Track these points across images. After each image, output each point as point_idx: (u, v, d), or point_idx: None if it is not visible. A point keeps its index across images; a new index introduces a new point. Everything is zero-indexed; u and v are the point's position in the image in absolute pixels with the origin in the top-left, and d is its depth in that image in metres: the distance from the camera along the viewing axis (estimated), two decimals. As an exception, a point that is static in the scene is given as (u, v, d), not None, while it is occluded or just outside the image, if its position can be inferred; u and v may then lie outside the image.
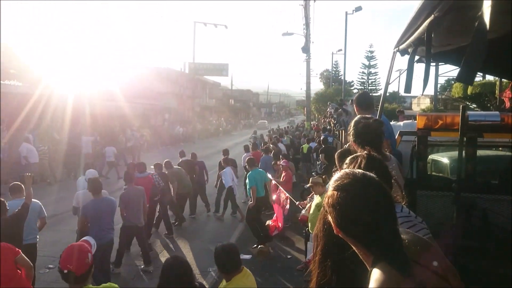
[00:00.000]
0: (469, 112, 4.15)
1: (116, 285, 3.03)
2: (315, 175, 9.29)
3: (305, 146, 15.59)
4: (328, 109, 19.65)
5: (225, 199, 10.36)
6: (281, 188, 8.29)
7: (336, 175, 1.44)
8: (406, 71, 2.13)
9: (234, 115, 58.64)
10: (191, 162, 10.85)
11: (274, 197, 8.56)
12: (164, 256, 7.60)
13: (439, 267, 1.31)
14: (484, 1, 1.06)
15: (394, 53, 3.01)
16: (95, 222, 5.78)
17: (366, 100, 4.14)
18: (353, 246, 1.38)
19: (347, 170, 1.45)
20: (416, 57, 2.80)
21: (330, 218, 1.41)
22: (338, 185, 1.37)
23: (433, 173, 6.04)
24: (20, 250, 3.78)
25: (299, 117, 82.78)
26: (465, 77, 1.25)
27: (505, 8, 1.29)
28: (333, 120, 18.45)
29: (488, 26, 1.05)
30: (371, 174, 1.44)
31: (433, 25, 1.52)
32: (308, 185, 10.52)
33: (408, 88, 2.14)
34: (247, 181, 8.24)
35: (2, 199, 4.76)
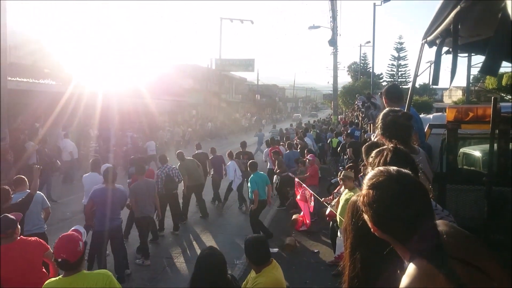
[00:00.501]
0: (501, 104, 4.03)
1: (109, 272, 3.18)
2: (342, 169, 9.23)
3: (334, 140, 15.48)
4: (356, 102, 19.35)
5: (226, 192, 10.90)
6: (305, 185, 8.29)
7: (370, 173, 1.44)
8: (434, 63, 2.10)
9: (260, 110, 58.68)
10: (204, 155, 11.19)
11: (298, 196, 8.62)
12: (191, 250, 7.76)
13: (481, 262, 1.26)
14: None
15: (422, 45, 2.95)
16: (100, 208, 6.05)
17: (395, 93, 4.07)
18: (390, 243, 1.38)
19: (381, 168, 1.45)
20: (445, 49, 2.75)
21: (366, 216, 1.41)
22: (373, 183, 1.38)
23: (465, 167, 5.88)
24: (48, 246, 3.96)
25: (326, 111, 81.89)
26: (489, 69, 1.24)
27: None
28: (361, 114, 18.17)
29: (511, 17, 1.04)
30: (406, 171, 1.42)
31: (460, 16, 1.50)
32: (335, 180, 10.47)
33: (435, 81, 2.11)
34: (249, 184, 8.36)
35: (6, 187, 4.97)
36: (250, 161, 9.17)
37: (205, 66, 37.41)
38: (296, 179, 8.84)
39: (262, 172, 8.68)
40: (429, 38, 2.51)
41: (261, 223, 8.36)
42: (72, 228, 3.36)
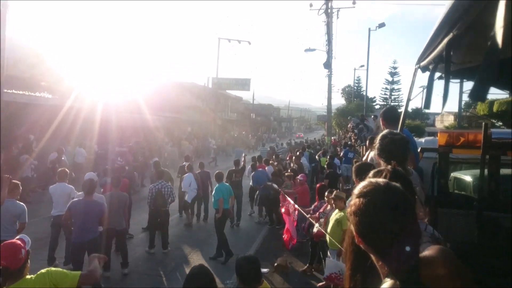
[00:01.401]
0: (492, 130, 4.11)
1: (51, 269, 3.15)
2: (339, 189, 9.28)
3: (322, 159, 15.69)
4: (349, 124, 19.55)
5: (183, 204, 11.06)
6: (288, 199, 8.20)
7: (361, 184, 1.43)
8: (426, 88, 2.16)
9: (255, 129, 58.88)
10: (182, 167, 11.57)
11: (283, 209, 8.51)
12: (180, 270, 7.64)
13: None
14: (497, 22, 1.10)
15: (416, 70, 3.04)
16: (77, 220, 6.09)
17: (393, 115, 4.17)
18: (371, 256, 1.37)
19: (371, 179, 1.45)
20: (438, 74, 2.84)
21: (352, 227, 1.40)
22: (361, 191, 1.37)
23: (455, 191, 5.93)
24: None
25: (319, 131, 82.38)
26: (477, 95, 1.29)
27: None
28: (354, 136, 18.34)
29: (500, 46, 1.10)
30: (396, 184, 1.41)
31: (453, 43, 1.56)
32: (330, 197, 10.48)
33: (427, 105, 2.17)
34: (213, 193, 8.75)
35: None
36: (216, 171, 9.37)
37: (202, 84, 37.64)
38: (281, 192, 8.81)
39: (226, 183, 9.06)
40: (422, 64, 2.59)
41: (225, 238, 8.31)
42: (17, 237, 3.36)
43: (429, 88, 2.10)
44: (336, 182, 11.92)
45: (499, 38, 1.08)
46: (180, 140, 25.75)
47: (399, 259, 1.25)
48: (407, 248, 1.26)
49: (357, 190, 1.40)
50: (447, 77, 1.71)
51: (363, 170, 3.39)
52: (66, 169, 7.83)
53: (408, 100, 3.27)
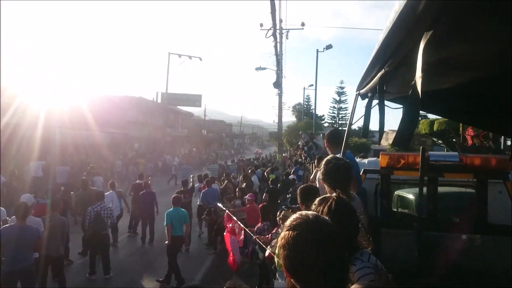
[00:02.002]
0: (430, 153, 4.29)
1: None
2: (285, 208, 9.20)
3: (271, 176, 15.79)
4: (299, 141, 19.94)
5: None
6: (234, 218, 8.04)
7: (291, 217, 1.43)
8: (364, 116, 2.19)
9: (206, 145, 58.41)
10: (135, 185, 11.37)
11: (229, 225, 8.30)
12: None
13: None
14: (416, 72, 1.12)
15: (357, 95, 3.11)
16: (8, 247, 5.63)
17: (336, 137, 4.38)
18: None
19: (302, 212, 1.44)
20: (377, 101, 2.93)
21: (281, 261, 1.37)
22: (291, 224, 1.36)
23: (400, 209, 6.12)
24: None
25: (271, 148, 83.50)
26: (401, 143, 1.32)
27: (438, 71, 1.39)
28: (303, 153, 18.68)
29: (420, 95, 1.12)
30: (325, 218, 1.44)
31: (385, 78, 1.58)
32: (278, 218, 10.41)
33: (365, 133, 2.20)
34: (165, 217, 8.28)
35: None
36: (174, 195, 8.98)
37: (150, 99, 36.86)
38: (227, 211, 8.60)
39: (182, 209, 8.55)
40: (361, 91, 2.62)
41: (176, 265, 8.00)
42: None
43: (367, 116, 2.13)
44: (276, 195, 11.86)
45: (419, 87, 1.09)
46: (134, 158, 25.05)
47: None
48: (333, 283, 1.25)
49: (288, 222, 1.39)
50: (381, 109, 1.73)
51: (308, 194, 3.41)
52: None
53: (350, 124, 3.33)
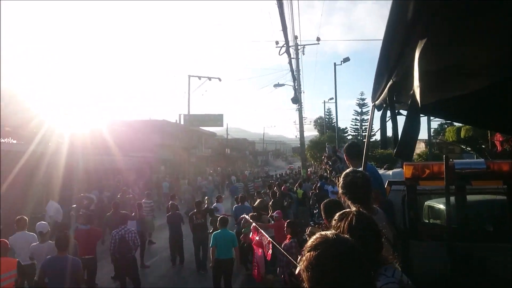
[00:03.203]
0: (455, 161, 4.18)
1: None
2: (313, 224, 9.07)
3: (299, 192, 15.68)
4: (324, 154, 19.71)
5: None
6: (262, 231, 7.91)
7: (313, 237, 1.42)
8: (380, 128, 2.16)
9: (230, 164, 58.64)
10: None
11: (256, 238, 8.14)
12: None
13: None
14: (414, 81, 1.11)
15: (373, 107, 3.08)
16: (53, 281, 5.61)
17: (355, 150, 4.30)
18: None
19: (322, 232, 1.43)
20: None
21: (306, 284, 1.36)
22: (311, 245, 1.36)
23: (431, 220, 5.94)
24: None
25: (297, 163, 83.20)
26: (403, 154, 1.30)
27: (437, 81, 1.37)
28: (328, 168, 18.43)
29: (419, 104, 1.10)
30: (344, 236, 1.43)
31: (394, 89, 1.56)
32: (305, 235, 10.25)
33: (384, 144, 2.17)
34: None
35: None
36: (221, 216, 8.79)
37: (173, 122, 37.45)
38: (254, 224, 8.48)
39: (230, 232, 8.32)
40: (376, 103, 2.60)
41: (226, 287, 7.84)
42: None
43: (383, 128, 2.09)
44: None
45: (417, 97, 1.07)
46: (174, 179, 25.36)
47: None
48: None
49: (308, 243, 1.40)
50: (394, 120, 1.70)
51: (331, 208, 3.36)
52: (25, 217, 7.43)
53: (368, 136, 3.29)
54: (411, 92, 1.12)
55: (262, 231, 7.76)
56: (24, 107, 18.11)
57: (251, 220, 8.42)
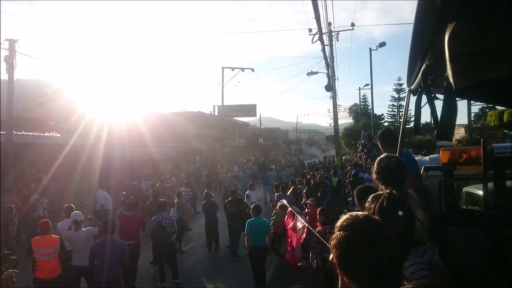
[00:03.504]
0: (494, 145, 4.08)
1: None
2: (346, 211, 9.01)
3: (334, 180, 15.62)
4: (359, 141, 19.42)
5: None
6: (298, 216, 7.96)
7: (343, 217, 1.48)
8: (414, 113, 2.18)
9: (264, 153, 58.87)
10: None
11: (290, 225, 8.24)
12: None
13: None
14: (447, 64, 1.15)
15: (409, 92, 3.07)
16: (99, 260, 6.25)
17: (389, 137, 4.25)
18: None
19: (352, 213, 1.50)
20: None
21: (335, 260, 1.44)
22: (341, 225, 1.43)
23: (469, 206, 5.82)
24: None
25: (331, 151, 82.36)
26: (444, 135, 1.34)
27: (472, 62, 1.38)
28: (364, 155, 18.22)
29: (454, 86, 1.14)
30: (375, 217, 1.49)
31: (428, 72, 1.59)
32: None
33: (417, 130, 2.20)
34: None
35: None
36: (254, 204, 8.98)
37: (208, 113, 38.01)
38: (290, 208, 8.57)
39: (264, 219, 8.48)
40: (412, 87, 2.61)
41: (262, 274, 8.02)
42: None
43: (417, 113, 2.12)
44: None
45: (451, 79, 1.11)
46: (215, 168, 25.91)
47: None
48: (386, 278, 1.28)
49: (339, 223, 1.46)
50: (432, 104, 1.73)
51: (364, 193, 3.39)
52: (72, 205, 7.88)
53: (404, 121, 3.28)
54: (445, 75, 1.15)
55: (299, 216, 7.87)
56: (66, 102, 18.99)
57: (288, 206, 8.54)
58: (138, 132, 22.29)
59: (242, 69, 34.64)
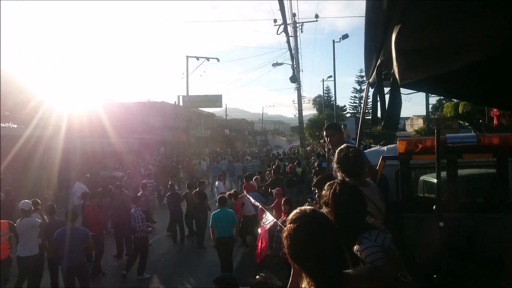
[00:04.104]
0: (447, 135, 4.31)
1: None
2: (310, 201, 9.27)
3: (298, 170, 15.98)
4: (322, 132, 19.87)
5: None
6: (267, 212, 8.15)
7: (293, 211, 1.66)
8: (371, 104, 2.29)
9: (229, 144, 58.86)
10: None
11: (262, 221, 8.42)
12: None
13: None
14: (393, 62, 1.24)
15: (367, 84, 3.20)
16: (62, 246, 6.33)
17: (335, 127, 4.52)
18: (304, 275, 1.57)
19: (302, 207, 1.68)
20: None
21: (286, 250, 1.62)
22: (291, 218, 1.60)
23: (425, 194, 6.12)
24: None
25: (296, 143, 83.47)
26: (390, 125, 1.46)
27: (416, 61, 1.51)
28: (327, 146, 18.64)
29: (399, 81, 1.23)
30: (321, 212, 1.70)
31: (382, 68, 1.69)
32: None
33: (374, 121, 2.31)
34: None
35: None
36: (220, 196, 9.02)
37: (172, 103, 37.48)
38: (260, 206, 8.75)
39: (229, 210, 8.55)
40: (370, 80, 2.71)
41: (226, 263, 8.09)
42: None
43: (374, 105, 2.23)
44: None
45: (397, 74, 1.20)
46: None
47: (323, 278, 1.46)
48: (330, 267, 1.47)
49: (289, 216, 1.63)
50: (381, 96, 1.83)
51: (323, 181, 3.54)
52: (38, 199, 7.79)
53: (363, 113, 3.43)
54: (392, 71, 1.25)
55: (268, 212, 8.05)
56: (22, 90, 18.11)
57: (257, 203, 8.74)
58: (99, 122, 21.62)
59: (207, 59, 34.29)
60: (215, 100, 38.88)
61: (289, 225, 1.58)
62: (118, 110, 27.47)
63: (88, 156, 18.43)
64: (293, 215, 1.60)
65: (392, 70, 1.28)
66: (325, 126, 4.52)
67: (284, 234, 1.59)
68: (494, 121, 15.61)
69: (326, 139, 4.44)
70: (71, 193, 12.01)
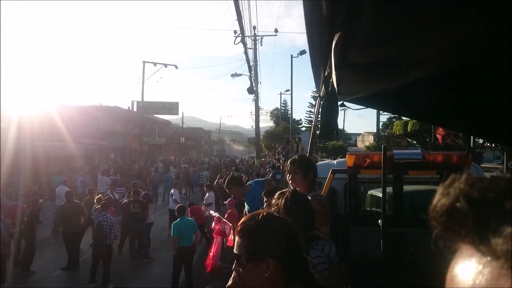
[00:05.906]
0: (394, 151, 4.45)
1: None
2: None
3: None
4: (278, 144, 20.11)
5: None
6: (224, 220, 8.05)
7: (244, 218, 1.57)
8: (321, 118, 2.29)
9: (185, 153, 58.03)
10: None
11: (217, 227, 8.29)
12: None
13: None
14: (333, 74, 1.23)
15: (318, 98, 3.23)
16: None
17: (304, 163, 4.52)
18: None
19: (253, 212, 1.59)
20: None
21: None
22: (242, 221, 1.52)
23: (373, 208, 6.27)
24: None
25: (252, 154, 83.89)
26: (325, 136, 1.45)
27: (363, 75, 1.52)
28: (282, 157, 18.87)
29: (337, 92, 1.22)
30: (274, 213, 1.63)
31: (329, 81, 1.68)
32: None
33: (323, 135, 2.31)
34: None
35: None
36: (178, 205, 8.83)
37: (126, 109, 36.41)
38: (216, 215, 8.63)
39: (189, 218, 8.46)
40: (321, 94, 2.72)
41: (186, 272, 7.98)
42: None
43: (322, 118, 2.22)
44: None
45: (335, 86, 1.19)
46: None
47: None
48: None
49: (241, 220, 1.55)
50: (332, 110, 1.83)
51: (273, 191, 3.53)
52: None
53: (314, 127, 3.44)
54: (331, 80, 1.23)
55: (225, 220, 7.95)
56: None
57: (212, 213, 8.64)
58: (41, 125, 20.26)
59: (165, 65, 33.77)
60: (172, 108, 38.24)
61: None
62: (67, 113, 26.23)
63: (32, 161, 17.38)
64: (245, 219, 1.52)
65: (331, 80, 1.26)
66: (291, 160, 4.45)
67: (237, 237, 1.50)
68: (440, 140, 16.51)
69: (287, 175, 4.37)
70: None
